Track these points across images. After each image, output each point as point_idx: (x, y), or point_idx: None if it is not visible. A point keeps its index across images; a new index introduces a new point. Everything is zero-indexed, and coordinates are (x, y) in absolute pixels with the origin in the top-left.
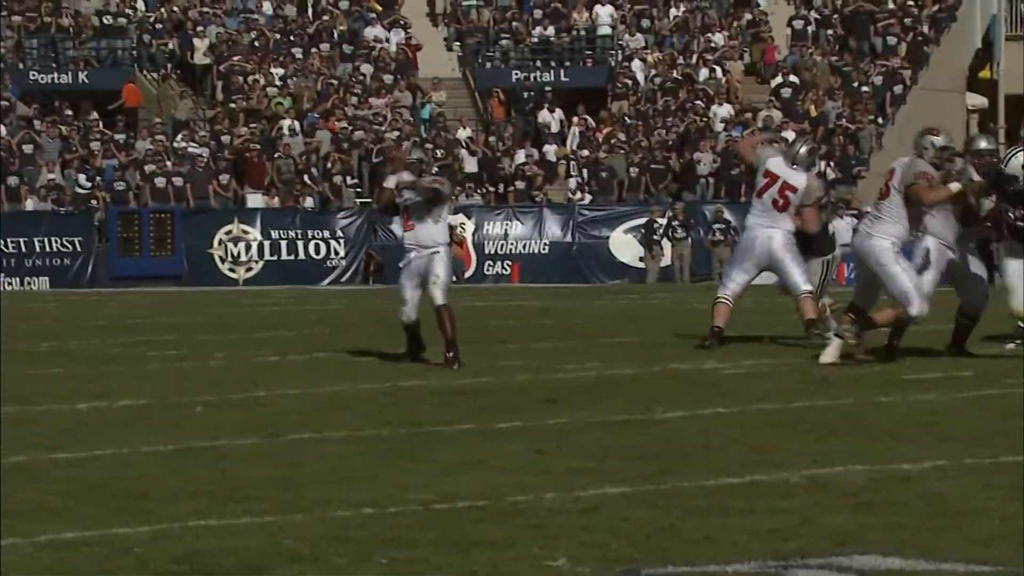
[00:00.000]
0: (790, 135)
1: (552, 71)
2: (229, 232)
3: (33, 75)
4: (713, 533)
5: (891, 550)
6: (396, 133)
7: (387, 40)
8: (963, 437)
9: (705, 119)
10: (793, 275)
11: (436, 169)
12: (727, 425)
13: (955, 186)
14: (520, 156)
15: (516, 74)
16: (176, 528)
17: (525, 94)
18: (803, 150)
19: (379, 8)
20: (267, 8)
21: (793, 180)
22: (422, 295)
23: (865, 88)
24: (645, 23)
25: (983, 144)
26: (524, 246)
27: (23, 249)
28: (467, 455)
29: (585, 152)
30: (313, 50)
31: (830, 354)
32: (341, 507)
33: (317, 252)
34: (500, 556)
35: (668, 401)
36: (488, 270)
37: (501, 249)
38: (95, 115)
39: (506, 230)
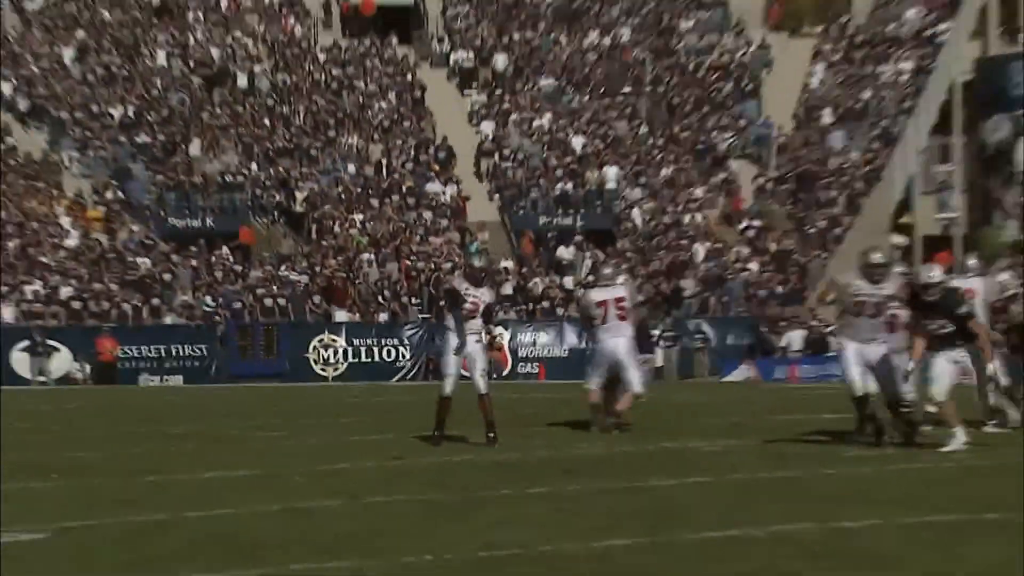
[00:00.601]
0: (754, 265)
1: (571, 216)
2: (321, 340)
3: (171, 220)
4: (698, 575)
5: None
6: (450, 264)
7: (443, 192)
8: (894, 501)
9: (688, 254)
10: (631, 376)
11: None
12: (706, 492)
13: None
14: (545, 282)
15: (543, 219)
16: (282, 571)
17: (549, 235)
18: (609, 270)
19: (437, 168)
20: (351, 168)
21: (617, 293)
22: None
23: (812, 230)
24: (643, 180)
25: (875, 257)
26: (548, 351)
27: (163, 354)
28: (504, 513)
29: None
30: (386, 200)
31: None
32: (407, 554)
33: (389, 356)
34: None
35: (660, 472)
36: (520, 369)
37: (531, 354)
38: (220, 251)
39: (534, 339)
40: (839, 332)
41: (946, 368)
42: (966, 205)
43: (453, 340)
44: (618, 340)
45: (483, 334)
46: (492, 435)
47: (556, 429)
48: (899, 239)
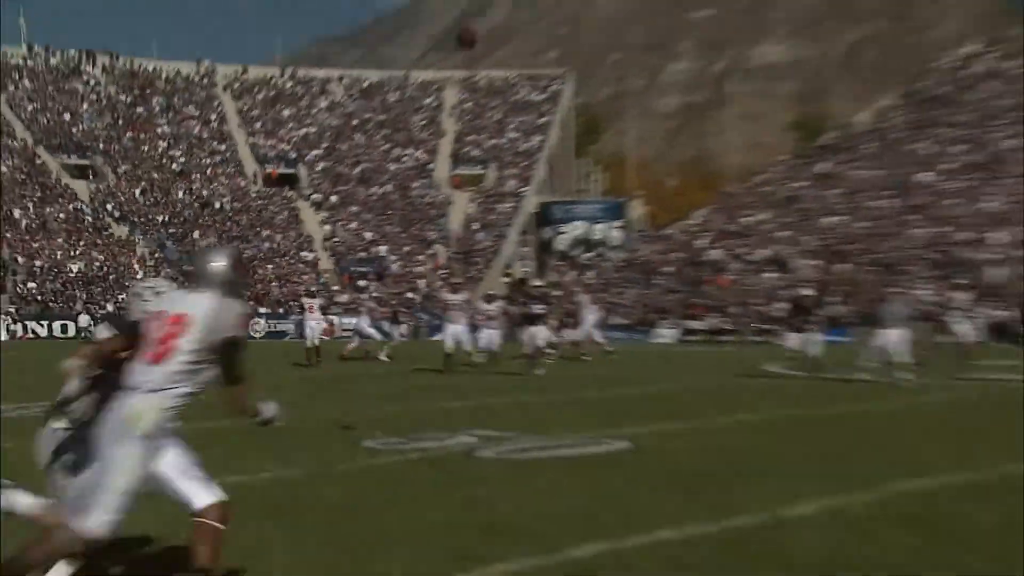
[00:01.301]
0: (446, 290)
1: (365, 267)
2: (254, 320)
3: (184, 267)
4: (424, 424)
5: (515, 435)
6: (315, 288)
7: (309, 256)
8: (521, 388)
9: (418, 286)
10: (366, 334)
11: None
12: (419, 385)
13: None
14: (353, 296)
15: (352, 268)
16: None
17: (356, 276)
18: (368, 302)
19: (306, 245)
20: (267, 244)
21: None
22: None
23: (471, 275)
24: (393, 256)
25: (454, 281)
26: (353, 326)
27: None
28: (333, 398)
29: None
30: (283, 259)
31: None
32: (305, 416)
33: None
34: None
35: (417, 386)
36: (342, 336)
37: (347, 327)
38: None
39: (351, 322)
40: (447, 319)
41: (534, 331)
42: (535, 266)
43: (309, 323)
44: (361, 320)
45: (320, 320)
46: (319, 361)
47: (359, 362)
48: (506, 279)
